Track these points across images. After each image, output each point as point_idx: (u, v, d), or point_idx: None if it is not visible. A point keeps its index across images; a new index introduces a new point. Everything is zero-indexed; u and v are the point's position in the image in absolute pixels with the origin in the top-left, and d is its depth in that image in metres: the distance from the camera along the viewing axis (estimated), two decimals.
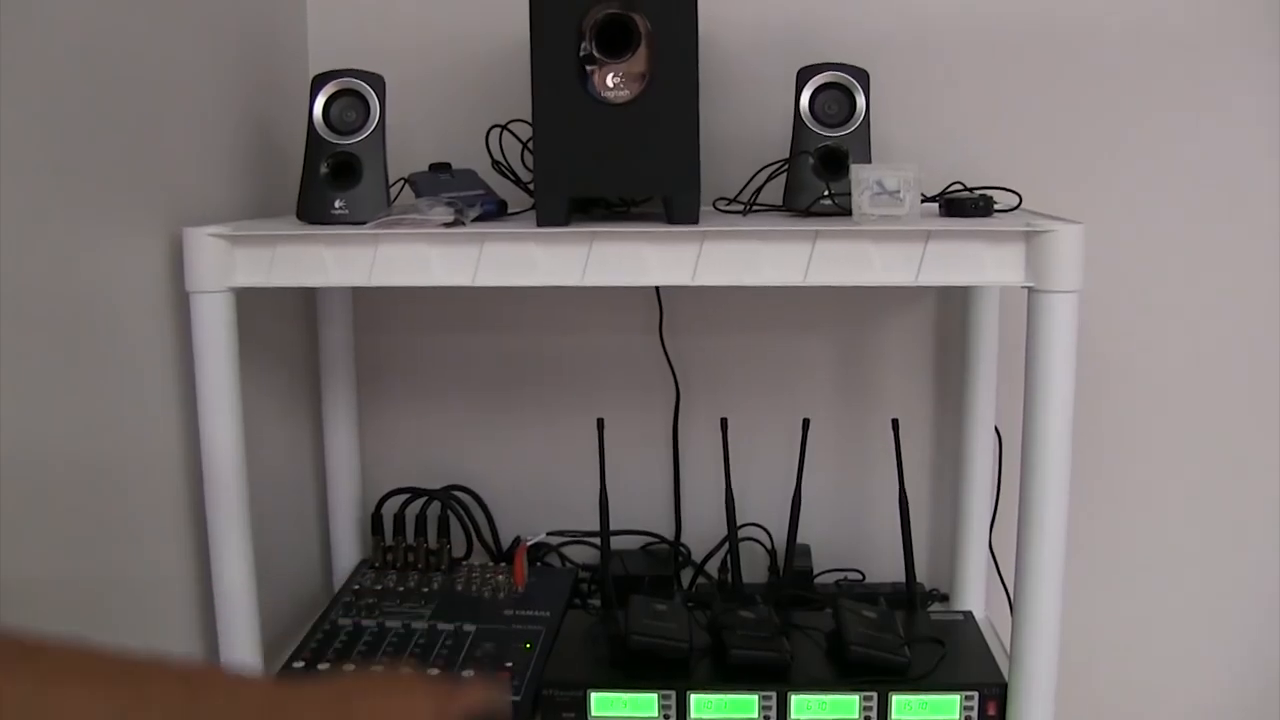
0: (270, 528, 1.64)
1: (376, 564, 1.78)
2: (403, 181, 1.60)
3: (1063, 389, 1.30)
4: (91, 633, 1.26)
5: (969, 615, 1.63)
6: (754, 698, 1.44)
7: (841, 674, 1.46)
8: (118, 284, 1.35)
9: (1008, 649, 1.44)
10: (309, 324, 1.84)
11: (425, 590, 1.70)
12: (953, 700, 1.42)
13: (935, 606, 1.77)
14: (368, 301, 1.87)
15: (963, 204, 1.45)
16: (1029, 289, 1.30)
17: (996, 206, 1.47)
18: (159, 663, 0.77)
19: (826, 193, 1.47)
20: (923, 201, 1.42)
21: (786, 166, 1.52)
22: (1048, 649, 1.37)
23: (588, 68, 1.37)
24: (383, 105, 1.46)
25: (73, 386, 1.26)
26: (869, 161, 1.49)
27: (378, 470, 1.91)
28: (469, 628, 1.58)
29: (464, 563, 1.81)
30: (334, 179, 1.45)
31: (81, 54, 1.26)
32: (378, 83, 1.46)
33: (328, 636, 1.58)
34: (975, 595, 1.76)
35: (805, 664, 1.48)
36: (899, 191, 1.36)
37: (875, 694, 1.42)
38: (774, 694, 1.43)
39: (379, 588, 1.71)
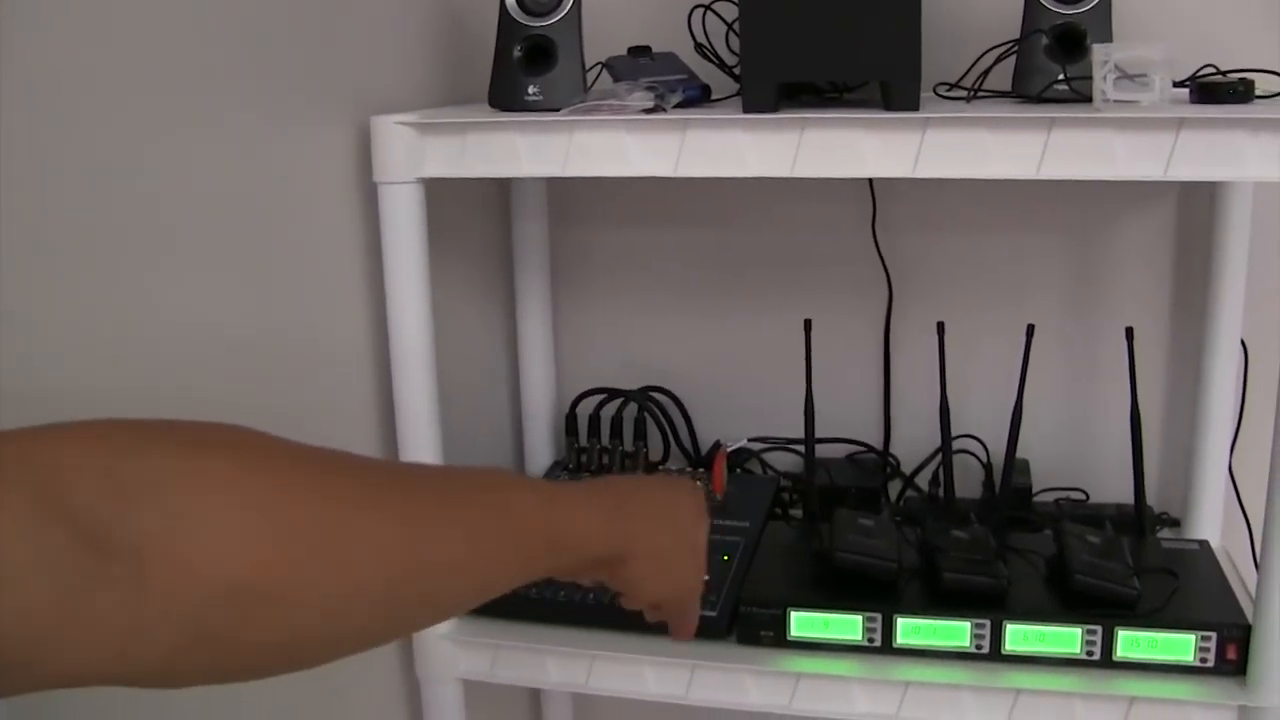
0: (461, 427, 1.59)
1: (570, 465, 1.74)
2: (599, 66, 1.51)
3: None
4: None
5: (1204, 544, 1.49)
6: (966, 625, 1.34)
7: (1063, 604, 1.34)
8: (304, 175, 1.30)
9: (1249, 585, 1.32)
10: (502, 216, 1.77)
11: None
12: (1187, 640, 1.29)
13: (1166, 533, 1.64)
14: (562, 192, 1.80)
15: (1218, 89, 1.28)
16: None
17: (1258, 92, 1.30)
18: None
19: (1062, 76, 1.33)
20: (1173, 87, 1.27)
21: (1016, 48, 1.37)
22: None
23: None
24: None
25: (259, 280, 1.23)
26: (1110, 40, 1.34)
27: (572, 369, 1.85)
28: None
29: (660, 467, 1.75)
30: (528, 63, 1.37)
31: None
32: None
33: None
34: (1211, 522, 1.61)
35: (1023, 591, 1.38)
36: (1146, 75, 1.21)
37: (1100, 628, 1.31)
38: (988, 622, 1.34)
39: None
